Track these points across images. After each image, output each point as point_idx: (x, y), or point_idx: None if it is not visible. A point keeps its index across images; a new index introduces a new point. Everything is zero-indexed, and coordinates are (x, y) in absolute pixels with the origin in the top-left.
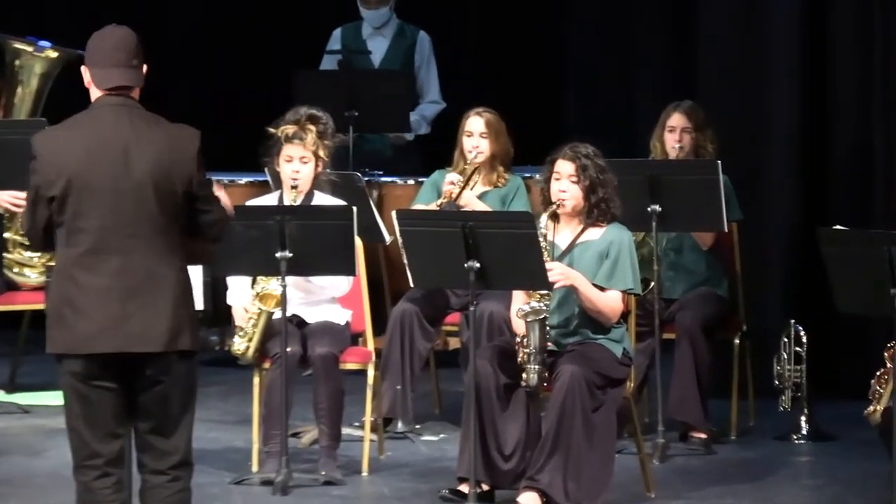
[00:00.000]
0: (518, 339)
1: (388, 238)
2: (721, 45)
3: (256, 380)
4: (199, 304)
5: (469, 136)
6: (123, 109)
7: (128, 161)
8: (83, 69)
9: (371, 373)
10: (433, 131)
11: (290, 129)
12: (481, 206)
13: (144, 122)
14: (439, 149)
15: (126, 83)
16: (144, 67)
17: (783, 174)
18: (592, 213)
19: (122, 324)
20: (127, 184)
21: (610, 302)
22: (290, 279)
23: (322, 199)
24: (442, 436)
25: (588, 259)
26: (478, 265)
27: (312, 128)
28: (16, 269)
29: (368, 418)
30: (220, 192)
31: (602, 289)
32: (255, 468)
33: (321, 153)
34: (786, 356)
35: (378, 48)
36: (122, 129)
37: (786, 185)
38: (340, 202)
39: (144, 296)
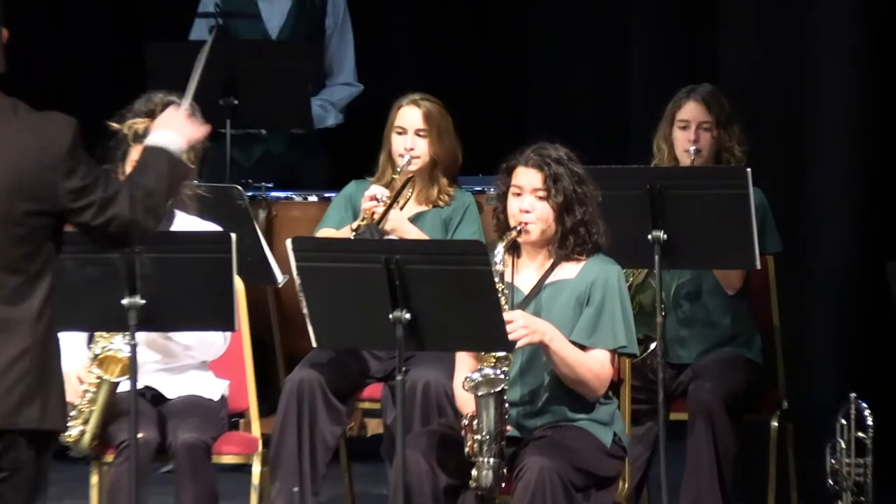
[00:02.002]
0: (465, 422)
1: (280, 278)
2: (750, 15)
3: (95, 478)
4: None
5: (400, 133)
6: None
7: None
8: None
9: (257, 469)
10: (350, 126)
11: (140, 125)
12: (415, 233)
13: None
14: (357, 151)
15: None
16: (5, 33)
17: (837, 189)
18: (567, 241)
19: None
20: None
21: (594, 366)
22: (141, 336)
23: (187, 221)
24: None
25: (562, 306)
26: (408, 316)
27: None
28: None
29: None
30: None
31: (583, 348)
32: None
33: (184, 157)
34: (843, 445)
35: (275, 12)
36: None
37: (840, 205)
38: (213, 227)
39: None
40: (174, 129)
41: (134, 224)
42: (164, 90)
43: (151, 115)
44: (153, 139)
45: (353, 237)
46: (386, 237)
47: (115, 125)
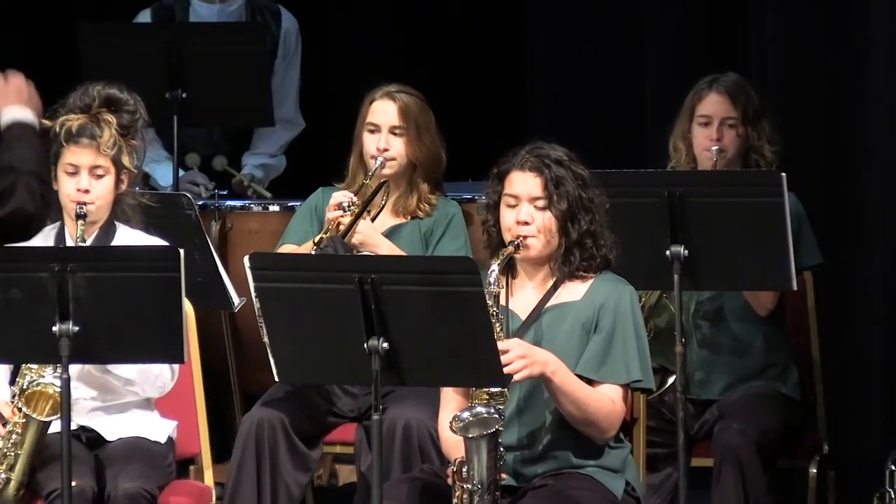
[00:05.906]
0: (452, 468)
1: (237, 301)
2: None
3: None
4: None
5: (373, 130)
6: None
7: None
8: None
9: None
10: (317, 125)
11: (74, 122)
12: (387, 247)
13: None
14: (326, 152)
15: None
16: None
17: (890, 196)
18: (572, 255)
19: None
20: None
21: (603, 404)
22: (75, 369)
23: (130, 236)
24: None
25: (566, 333)
26: (386, 345)
27: (111, 118)
28: None
29: None
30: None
31: (590, 382)
32: None
33: (126, 161)
34: (894, 495)
35: None
36: None
37: (893, 212)
38: (158, 241)
39: None
40: (21, 100)
41: (35, 217)
42: (103, 81)
43: (88, 110)
44: (10, 116)
45: (314, 252)
46: (354, 252)
47: (46, 122)
